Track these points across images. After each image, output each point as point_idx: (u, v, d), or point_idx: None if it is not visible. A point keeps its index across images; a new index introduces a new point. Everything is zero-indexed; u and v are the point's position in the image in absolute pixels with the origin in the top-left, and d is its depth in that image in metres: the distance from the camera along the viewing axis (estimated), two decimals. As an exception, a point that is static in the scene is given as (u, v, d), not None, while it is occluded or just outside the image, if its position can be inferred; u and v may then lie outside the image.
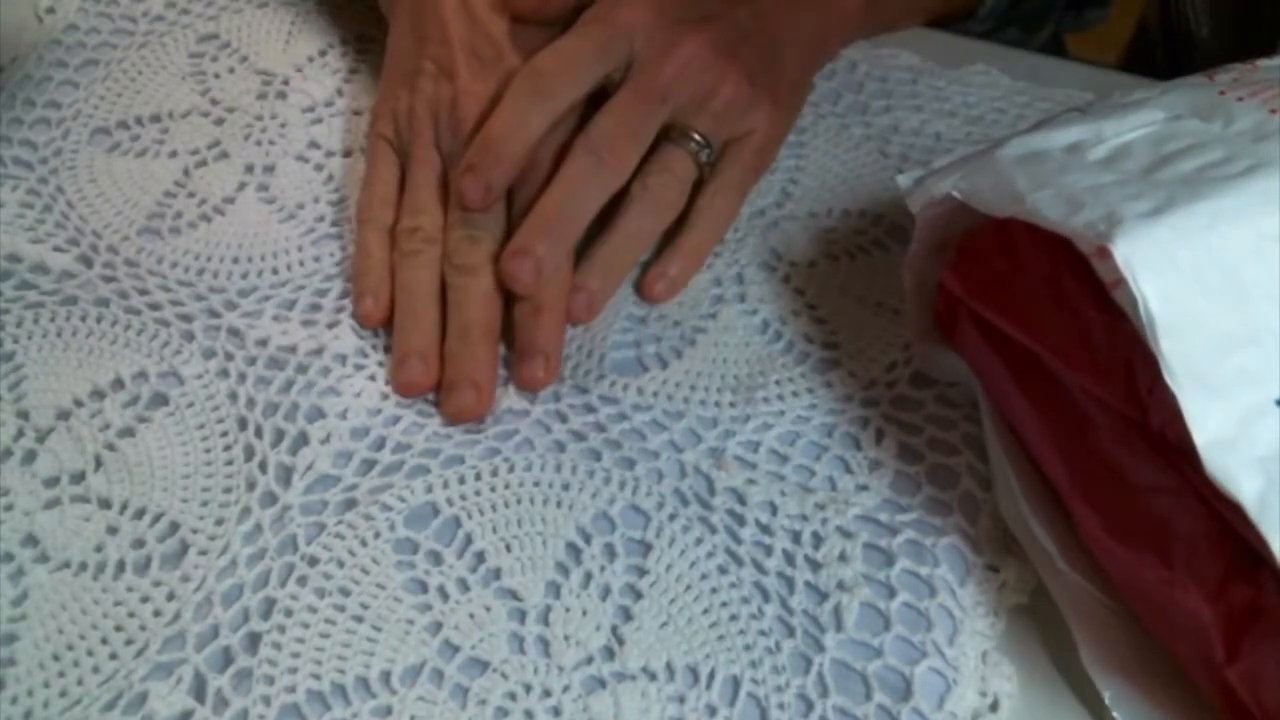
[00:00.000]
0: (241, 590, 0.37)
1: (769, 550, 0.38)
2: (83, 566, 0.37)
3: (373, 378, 0.42)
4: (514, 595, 0.37)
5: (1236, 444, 0.29)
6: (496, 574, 0.38)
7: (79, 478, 0.39)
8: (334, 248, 0.46)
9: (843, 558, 0.38)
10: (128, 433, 0.41)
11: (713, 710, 0.35)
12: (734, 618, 0.37)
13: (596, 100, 0.44)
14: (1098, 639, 0.35)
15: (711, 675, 0.36)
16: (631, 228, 0.44)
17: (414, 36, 0.46)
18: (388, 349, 0.43)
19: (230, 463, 0.40)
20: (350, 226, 0.47)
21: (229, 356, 0.43)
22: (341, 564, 0.38)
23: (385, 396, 0.42)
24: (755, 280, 0.46)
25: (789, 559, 0.38)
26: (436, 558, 0.38)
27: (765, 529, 0.39)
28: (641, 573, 0.38)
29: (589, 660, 0.36)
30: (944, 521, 0.39)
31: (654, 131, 0.44)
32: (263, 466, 0.40)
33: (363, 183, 0.47)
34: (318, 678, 0.35)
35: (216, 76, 0.52)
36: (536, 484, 0.40)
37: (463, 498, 0.39)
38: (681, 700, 0.35)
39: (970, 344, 0.39)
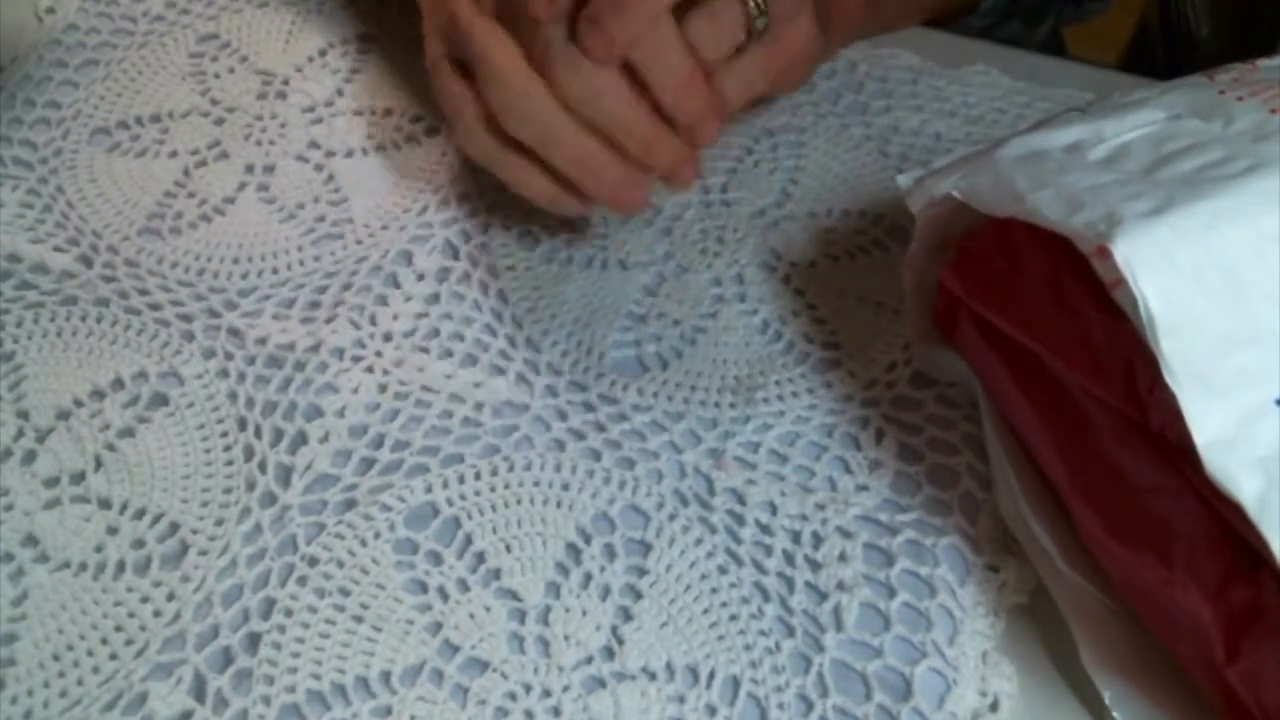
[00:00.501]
0: (241, 590, 0.37)
1: (769, 550, 0.38)
2: (83, 566, 0.37)
3: (370, 369, 0.42)
4: (514, 595, 0.37)
5: (1236, 444, 0.29)
6: (496, 574, 0.38)
7: (79, 478, 0.39)
8: (334, 247, 0.46)
9: (843, 558, 0.38)
10: (128, 433, 0.41)
11: (713, 710, 0.35)
12: (734, 618, 0.37)
13: None
14: (1098, 639, 0.35)
15: (711, 675, 0.36)
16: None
17: None
18: (386, 337, 0.43)
19: (230, 463, 0.40)
20: (351, 227, 0.47)
21: (229, 356, 0.43)
22: (341, 564, 0.38)
23: (383, 389, 0.42)
24: (755, 280, 0.46)
25: (789, 559, 0.38)
26: (436, 558, 0.38)
27: (765, 529, 0.39)
28: (641, 573, 0.38)
29: (589, 660, 0.36)
30: (944, 521, 0.39)
31: None
32: (262, 466, 0.40)
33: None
34: (318, 678, 0.35)
35: (216, 76, 0.52)
36: (536, 484, 0.40)
37: (462, 498, 0.39)
38: (681, 700, 0.35)
39: (970, 344, 0.39)
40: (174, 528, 0.38)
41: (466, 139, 0.44)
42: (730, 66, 0.44)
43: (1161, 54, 0.83)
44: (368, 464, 0.40)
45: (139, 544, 0.38)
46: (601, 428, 0.41)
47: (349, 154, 0.49)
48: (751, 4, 0.43)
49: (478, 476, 0.40)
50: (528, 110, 0.42)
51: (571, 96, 0.42)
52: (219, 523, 0.38)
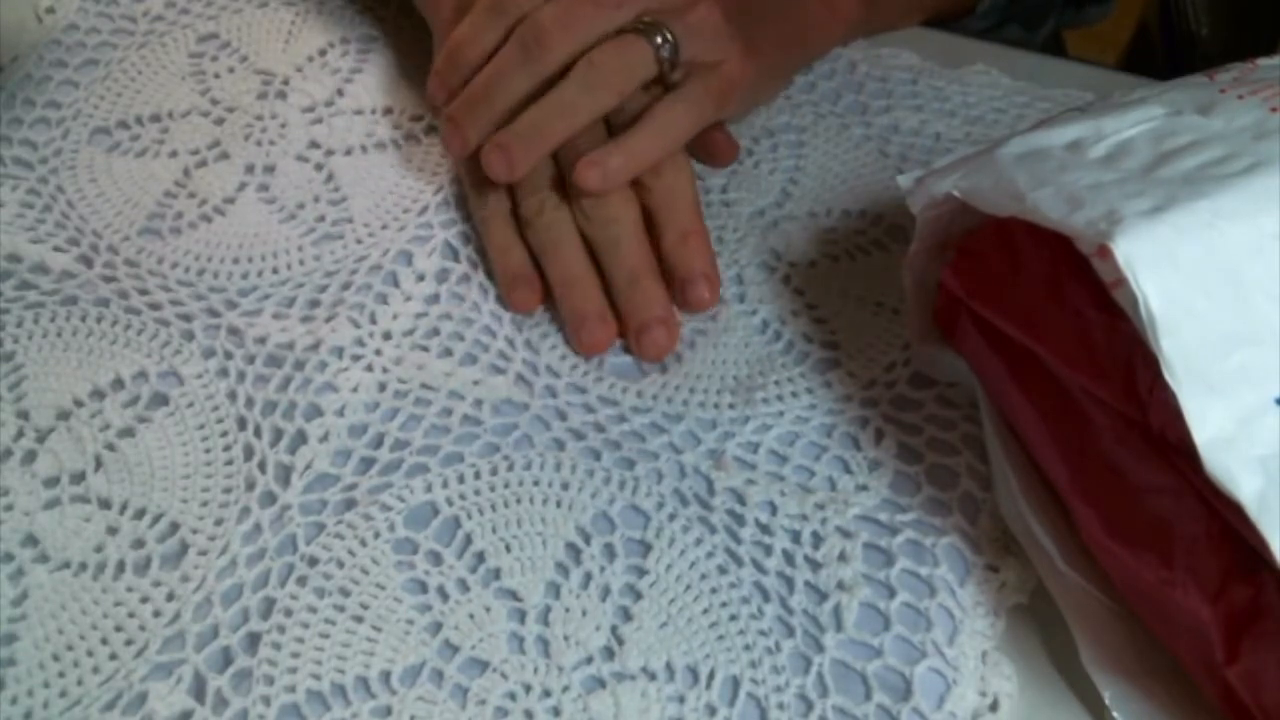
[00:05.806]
0: (241, 590, 0.37)
1: (769, 550, 0.38)
2: (83, 566, 0.37)
3: (369, 368, 0.42)
4: (514, 595, 0.37)
5: (1236, 443, 0.29)
6: (496, 574, 0.38)
7: (79, 478, 0.39)
8: (334, 247, 0.46)
9: (843, 558, 0.38)
10: (128, 433, 0.41)
11: (712, 710, 0.35)
12: (734, 618, 0.37)
13: None
14: (1098, 639, 0.35)
15: (711, 675, 0.36)
16: (558, 97, 0.43)
17: (454, 7, 0.46)
18: (385, 336, 0.43)
19: (230, 462, 0.40)
20: (350, 227, 0.47)
21: (228, 355, 0.43)
22: (341, 564, 0.38)
23: (382, 388, 0.42)
24: (755, 280, 0.45)
25: (789, 559, 0.38)
26: (436, 558, 0.38)
27: (765, 529, 0.39)
28: (641, 573, 0.38)
29: (589, 660, 0.36)
30: (944, 521, 0.39)
31: (600, 30, 0.43)
32: (262, 466, 0.40)
33: (465, 180, 0.46)
34: (318, 678, 0.35)
35: (216, 76, 0.52)
36: (536, 483, 0.40)
37: (462, 497, 0.39)
38: (681, 700, 0.35)
39: (970, 344, 0.39)
40: (174, 528, 0.38)
41: (484, 223, 0.46)
42: (676, 94, 0.44)
43: (1161, 54, 0.83)
44: (367, 463, 0.40)
45: (139, 544, 0.38)
46: (601, 428, 0.41)
47: (349, 153, 0.49)
48: (657, 37, 0.43)
49: (477, 476, 0.40)
50: (543, 209, 0.44)
51: (585, 209, 0.44)
52: (219, 522, 0.38)
